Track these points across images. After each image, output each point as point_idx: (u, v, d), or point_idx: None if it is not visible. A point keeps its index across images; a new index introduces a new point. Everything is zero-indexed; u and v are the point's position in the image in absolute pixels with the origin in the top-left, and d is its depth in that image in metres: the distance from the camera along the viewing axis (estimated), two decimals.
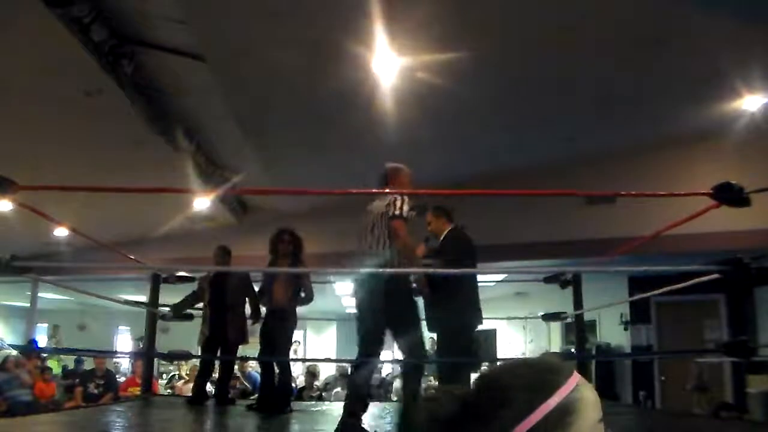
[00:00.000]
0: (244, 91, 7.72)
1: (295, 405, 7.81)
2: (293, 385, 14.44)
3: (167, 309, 8.16)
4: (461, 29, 6.58)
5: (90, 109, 7.54)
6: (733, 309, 12.20)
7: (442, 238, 6.23)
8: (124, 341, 21.21)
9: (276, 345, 6.96)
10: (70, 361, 15.65)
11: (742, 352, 5.29)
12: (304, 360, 18.98)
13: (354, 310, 5.40)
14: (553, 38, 6.92)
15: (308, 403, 10.37)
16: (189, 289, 8.12)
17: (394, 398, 13.58)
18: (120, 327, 21.23)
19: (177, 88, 7.77)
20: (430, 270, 6.03)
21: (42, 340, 15.32)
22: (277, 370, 7.05)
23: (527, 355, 14.95)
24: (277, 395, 6.99)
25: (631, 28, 6.81)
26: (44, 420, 6.30)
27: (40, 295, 14.15)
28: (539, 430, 1.02)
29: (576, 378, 1.09)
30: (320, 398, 12.34)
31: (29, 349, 9.25)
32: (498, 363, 1.19)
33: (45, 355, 14.53)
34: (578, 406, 1.06)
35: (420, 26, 6.31)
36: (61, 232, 10.87)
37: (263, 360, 7.22)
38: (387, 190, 5.50)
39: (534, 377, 1.08)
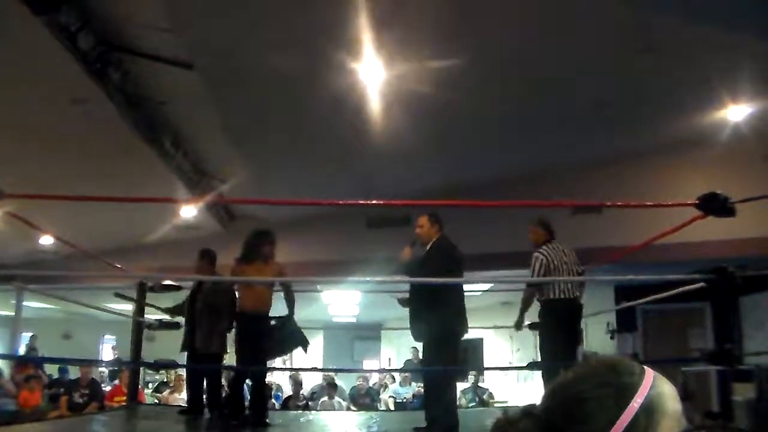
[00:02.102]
0: (232, 100, 7.73)
1: (281, 415, 7.78)
2: (279, 393, 14.43)
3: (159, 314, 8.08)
4: (449, 38, 6.61)
5: (77, 117, 7.52)
6: (719, 318, 12.23)
7: (429, 245, 6.23)
8: (110, 350, 21.08)
9: (257, 352, 6.70)
10: (51, 369, 15.52)
11: (727, 361, 5.33)
12: (291, 369, 18.90)
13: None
14: (539, 48, 6.97)
15: (295, 412, 10.33)
16: (175, 297, 8.07)
17: (381, 408, 13.57)
18: (106, 336, 21.09)
19: (164, 96, 7.77)
20: (418, 279, 6.03)
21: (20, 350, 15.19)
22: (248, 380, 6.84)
23: (514, 364, 15.00)
24: (251, 407, 6.76)
25: (617, 38, 6.86)
26: (28, 429, 6.26)
27: (25, 303, 14.04)
28: None
29: (651, 373, 1.07)
30: (306, 407, 12.29)
31: (11, 357, 9.19)
32: (566, 372, 1.12)
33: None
34: (661, 401, 1.04)
35: (408, 34, 6.34)
36: (47, 240, 10.82)
37: (242, 369, 6.97)
38: (371, 201, 5.51)
39: (610, 381, 1.05)
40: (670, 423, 1.03)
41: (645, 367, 1.08)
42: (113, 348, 19.36)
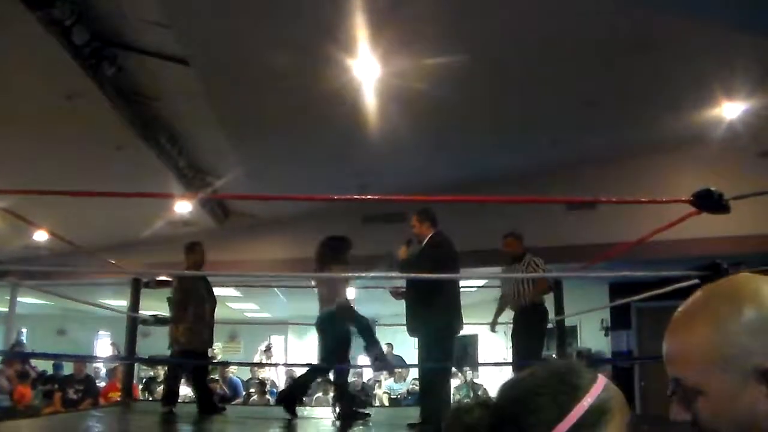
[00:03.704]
0: (227, 96, 7.71)
1: (275, 410, 7.77)
2: (274, 389, 14.39)
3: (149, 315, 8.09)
4: (445, 35, 6.61)
5: (71, 113, 7.49)
6: None
7: (424, 242, 6.24)
8: (105, 346, 21.03)
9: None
10: (45, 366, 15.48)
11: None
12: (285, 365, 18.91)
13: None
14: (535, 44, 6.96)
15: None
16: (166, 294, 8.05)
17: (376, 404, 13.58)
18: (100, 332, 21.05)
19: (159, 92, 7.75)
20: (413, 275, 6.04)
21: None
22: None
23: (508, 361, 15.00)
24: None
25: (614, 35, 6.86)
26: (23, 425, 6.25)
27: (19, 299, 13.99)
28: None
29: (603, 379, 1.10)
30: (301, 403, 12.29)
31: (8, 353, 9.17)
32: (520, 372, 1.17)
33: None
34: (610, 405, 1.07)
35: (403, 31, 6.33)
36: (41, 236, 10.80)
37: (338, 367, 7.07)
38: (366, 196, 5.51)
39: (562, 381, 1.08)
40: (616, 427, 1.06)
41: (599, 374, 1.12)
42: (112, 344, 19.17)
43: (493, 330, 7.99)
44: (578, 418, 1.03)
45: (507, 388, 1.13)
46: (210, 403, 7.41)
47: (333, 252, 6.86)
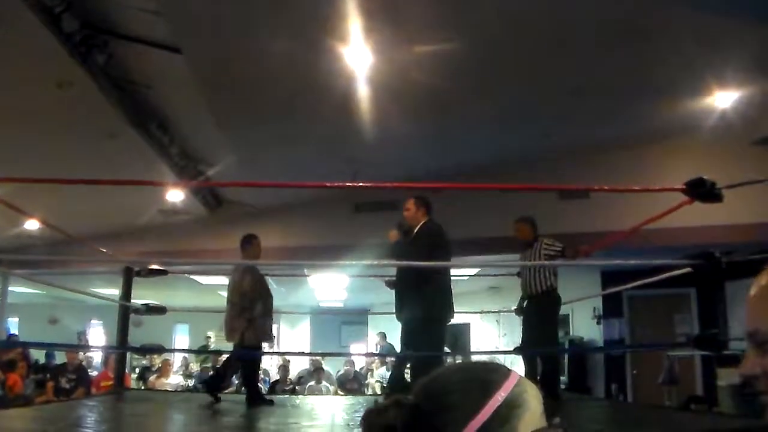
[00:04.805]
0: (219, 84, 7.67)
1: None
2: (267, 378, 14.41)
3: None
4: (438, 23, 6.58)
5: (62, 101, 7.45)
6: (704, 303, 12.30)
7: (416, 228, 6.23)
8: (97, 335, 21.00)
9: None
10: (37, 355, 15.46)
11: (712, 346, 5.38)
12: (278, 353, 18.92)
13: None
14: (528, 34, 6.95)
15: (282, 396, 10.35)
16: (161, 282, 8.02)
17: (368, 392, 13.62)
18: (92, 321, 21.01)
19: (151, 79, 7.71)
20: (405, 263, 6.04)
21: None
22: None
23: (501, 349, 15.06)
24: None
25: (607, 24, 6.84)
26: (14, 414, 6.24)
27: (10, 288, 13.96)
28: (490, 426, 1.05)
29: (516, 374, 1.13)
30: (293, 392, 12.33)
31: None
32: (438, 369, 1.20)
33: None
34: (524, 398, 1.10)
35: (396, 19, 6.31)
36: (32, 225, 10.75)
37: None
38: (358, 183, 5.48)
39: (475, 377, 1.12)
40: (530, 418, 1.09)
41: (512, 370, 1.16)
42: (79, 334, 18.82)
43: (519, 315, 7.88)
44: (492, 412, 1.06)
45: (421, 387, 1.15)
46: (258, 395, 7.36)
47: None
